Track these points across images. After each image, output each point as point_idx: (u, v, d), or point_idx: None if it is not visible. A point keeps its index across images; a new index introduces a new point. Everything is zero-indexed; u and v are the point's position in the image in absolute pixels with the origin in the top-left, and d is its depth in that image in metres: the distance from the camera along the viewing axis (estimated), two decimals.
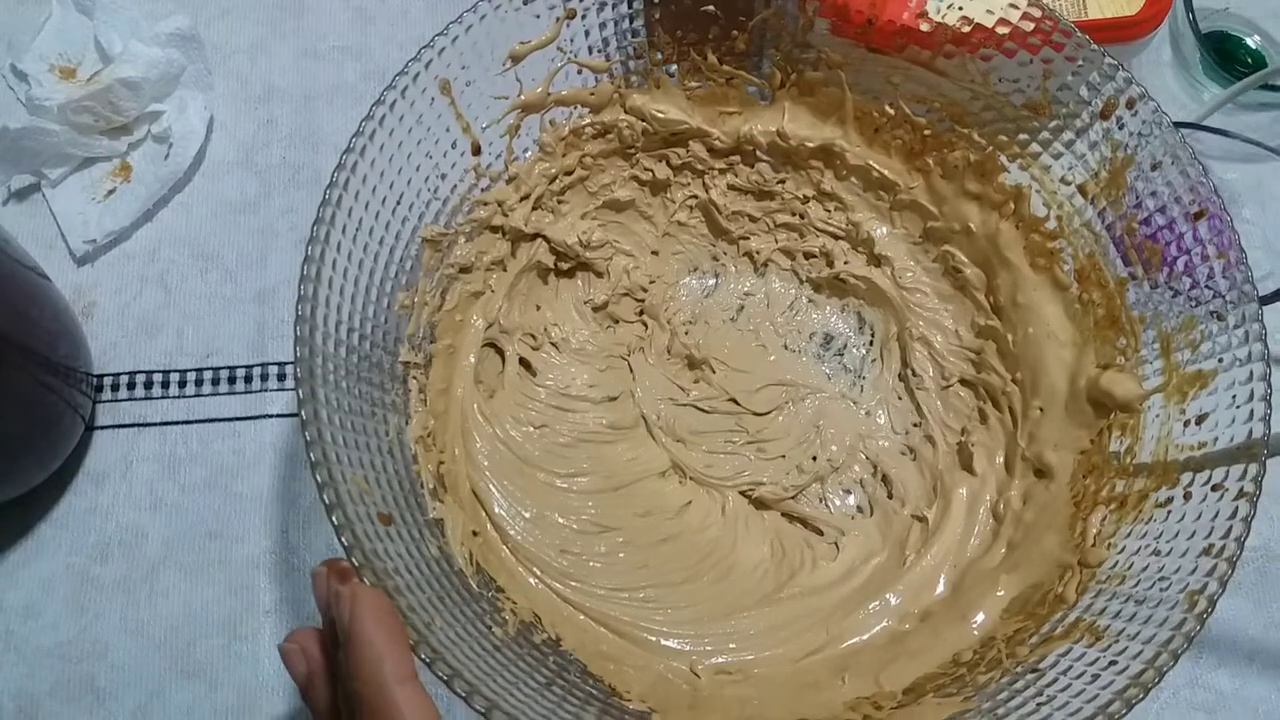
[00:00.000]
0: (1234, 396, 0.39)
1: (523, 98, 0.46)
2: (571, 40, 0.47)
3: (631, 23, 0.47)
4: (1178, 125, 0.53)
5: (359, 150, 0.41)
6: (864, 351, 0.52)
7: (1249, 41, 0.60)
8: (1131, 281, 0.43)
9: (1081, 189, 0.45)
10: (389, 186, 0.43)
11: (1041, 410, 0.46)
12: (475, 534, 0.43)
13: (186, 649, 0.48)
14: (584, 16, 0.46)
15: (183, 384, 0.53)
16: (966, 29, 0.44)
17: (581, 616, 0.43)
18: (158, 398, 0.53)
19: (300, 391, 0.37)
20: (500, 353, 0.49)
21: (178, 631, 0.49)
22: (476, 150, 0.46)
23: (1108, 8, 0.52)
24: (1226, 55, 0.58)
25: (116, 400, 0.53)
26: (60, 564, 0.50)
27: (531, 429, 0.47)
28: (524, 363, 0.49)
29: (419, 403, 0.43)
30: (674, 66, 0.49)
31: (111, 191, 0.56)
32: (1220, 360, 0.40)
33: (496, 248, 0.48)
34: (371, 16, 0.61)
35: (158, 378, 0.53)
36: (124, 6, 0.58)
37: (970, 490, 0.47)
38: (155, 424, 0.52)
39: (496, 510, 0.44)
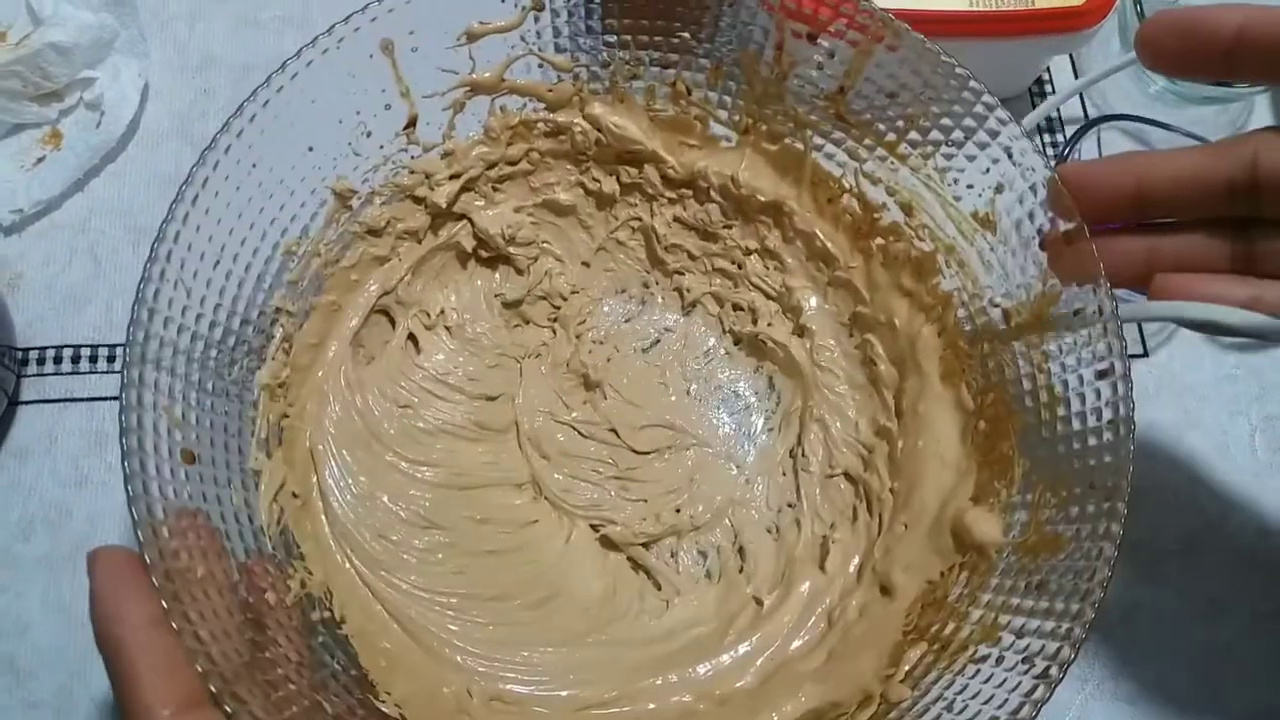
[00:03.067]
0: (1076, 570, 0.36)
1: (474, 77, 0.45)
2: (538, 34, 0.45)
3: (603, 30, 0.46)
4: (1125, 118, 0.53)
5: (275, 88, 0.40)
6: (764, 419, 0.51)
7: None
8: (1027, 422, 0.41)
9: (1005, 312, 0.42)
10: (307, 128, 0.42)
11: (906, 527, 0.44)
12: (296, 496, 0.42)
13: None
14: (554, 13, 0.45)
15: (111, 359, 0.52)
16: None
17: (377, 605, 0.42)
18: (85, 372, 0.52)
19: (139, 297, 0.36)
20: (392, 321, 0.48)
21: None
22: (412, 122, 0.45)
23: None
24: None
25: (42, 375, 0.51)
26: None
27: (394, 406, 0.46)
28: (412, 338, 0.48)
29: (281, 350, 0.43)
30: (639, 84, 0.47)
31: (41, 159, 0.54)
32: (1077, 531, 0.37)
33: (414, 218, 0.47)
34: None
35: (85, 352, 0.52)
36: None
37: (814, 587, 0.45)
38: (83, 399, 0.51)
39: (328, 478, 0.43)
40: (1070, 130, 0.59)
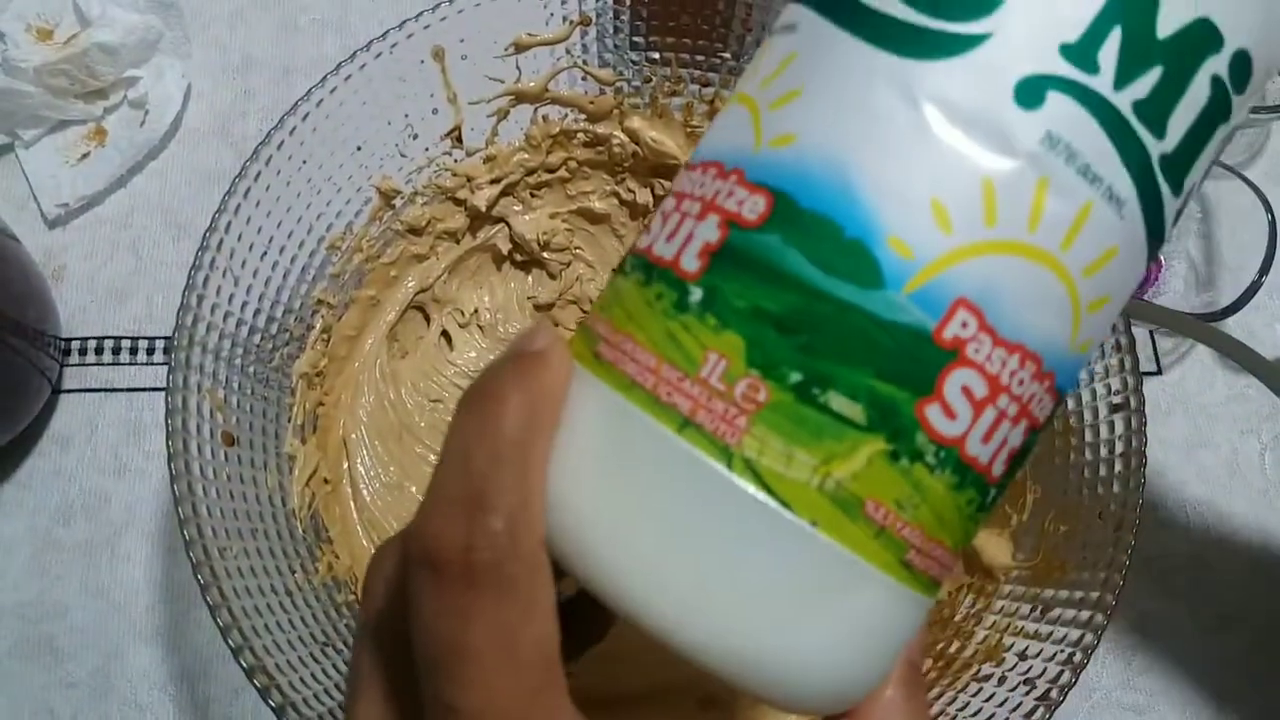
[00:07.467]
0: (1081, 597, 0.37)
1: (519, 86, 0.47)
2: (583, 48, 0.47)
3: (646, 46, 0.47)
4: None
5: (329, 87, 0.42)
6: None
7: None
8: (1040, 450, 0.42)
9: None
10: (356, 128, 0.43)
11: None
12: (327, 482, 0.43)
13: (145, 613, 0.49)
14: (600, 28, 0.46)
15: (151, 351, 0.53)
16: None
17: None
18: (125, 364, 0.53)
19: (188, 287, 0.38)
20: (426, 318, 0.49)
21: (138, 596, 0.49)
22: (458, 127, 0.46)
23: None
24: None
25: (84, 364, 0.53)
26: (23, 525, 0.50)
27: (426, 400, 0.48)
28: (445, 335, 0.50)
29: (320, 340, 0.44)
30: (678, 100, 0.48)
31: (85, 155, 0.55)
32: (1084, 559, 0.38)
33: (454, 219, 0.48)
34: None
35: (126, 344, 0.53)
36: None
37: None
38: (122, 389, 0.52)
39: (358, 466, 0.45)
40: None
